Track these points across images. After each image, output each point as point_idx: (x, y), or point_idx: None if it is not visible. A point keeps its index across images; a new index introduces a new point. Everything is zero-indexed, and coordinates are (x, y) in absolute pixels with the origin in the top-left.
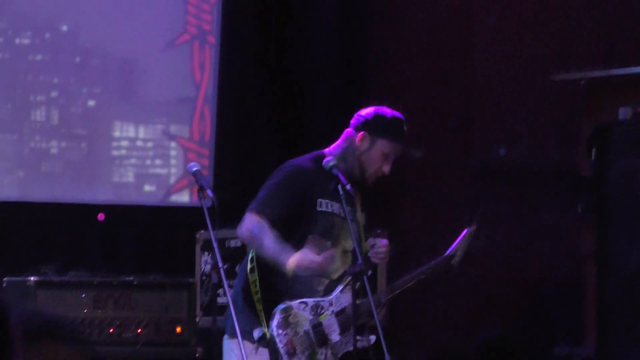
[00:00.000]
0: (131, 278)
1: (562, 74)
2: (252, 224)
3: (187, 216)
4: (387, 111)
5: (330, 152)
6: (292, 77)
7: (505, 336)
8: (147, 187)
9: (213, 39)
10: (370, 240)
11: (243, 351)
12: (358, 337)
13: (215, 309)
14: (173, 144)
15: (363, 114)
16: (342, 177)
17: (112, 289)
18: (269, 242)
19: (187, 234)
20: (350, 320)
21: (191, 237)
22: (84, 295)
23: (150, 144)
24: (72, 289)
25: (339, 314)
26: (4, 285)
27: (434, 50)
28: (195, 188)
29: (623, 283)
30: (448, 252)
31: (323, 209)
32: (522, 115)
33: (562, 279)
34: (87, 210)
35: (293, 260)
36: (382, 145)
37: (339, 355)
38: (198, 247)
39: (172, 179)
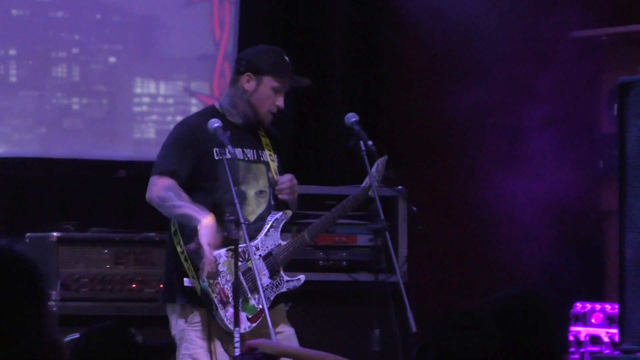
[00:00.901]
0: (152, 234)
1: (583, 31)
2: (158, 186)
3: None
4: (265, 47)
5: (221, 102)
6: (311, 34)
7: (524, 293)
8: None
9: None
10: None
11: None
12: (289, 278)
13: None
14: (194, 101)
15: (240, 57)
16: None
17: (133, 245)
18: (185, 200)
19: None
20: (279, 262)
21: None
22: (105, 251)
23: (171, 101)
24: (94, 245)
25: (266, 257)
26: (26, 241)
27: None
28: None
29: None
30: (364, 183)
31: (219, 157)
32: (543, 72)
33: (583, 236)
34: (108, 166)
35: (208, 221)
36: (269, 82)
37: (272, 298)
38: None
39: None
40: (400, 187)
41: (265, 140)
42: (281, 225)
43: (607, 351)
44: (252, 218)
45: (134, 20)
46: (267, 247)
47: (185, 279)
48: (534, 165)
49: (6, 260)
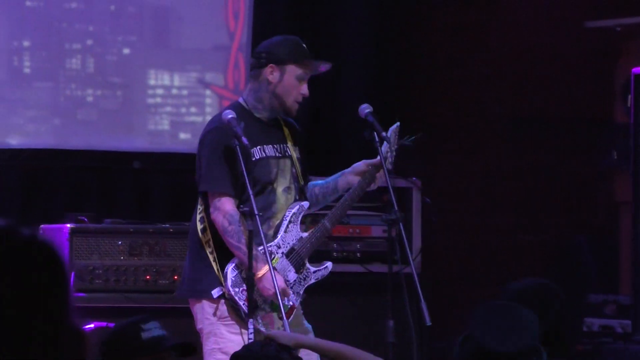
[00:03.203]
0: (167, 225)
1: (597, 21)
2: (223, 213)
3: None
4: (281, 38)
5: (245, 98)
6: (325, 27)
7: (538, 284)
8: (183, 135)
9: None
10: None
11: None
12: (316, 268)
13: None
14: (208, 92)
15: (259, 50)
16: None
17: (147, 236)
18: (238, 244)
19: None
20: (303, 255)
21: None
22: (120, 243)
23: (185, 92)
24: (108, 236)
25: (289, 254)
26: (40, 232)
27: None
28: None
29: None
30: (378, 157)
31: (257, 157)
32: (557, 62)
33: (597, 227)
34: (122, 158)
35: (261, 273)
36: (292, 70)
37: (301, 292)
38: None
39: None
40: (414, 178)
41: (286, 131)
42: (300, 218)
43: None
44: (280, 216)
45: (148, 11)
46: (288, 243)
47: (213, 291)
48: (547, 158)
49: (31, 248)
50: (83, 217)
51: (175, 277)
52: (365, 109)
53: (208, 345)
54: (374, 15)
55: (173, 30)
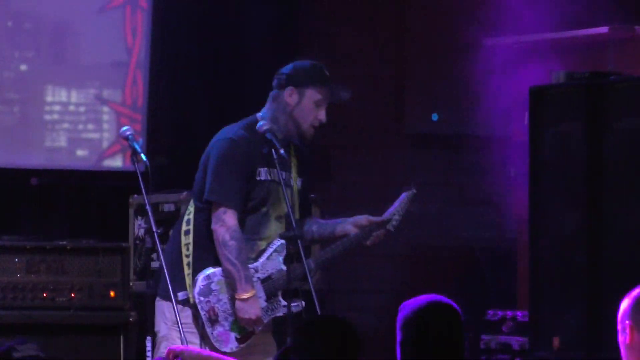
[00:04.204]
0: (64, 242)
1: (494, 39)
2: (226, 227)
3: (120, 180)
4: (305, 62)
5: (262, 116)
6: (225, 42)
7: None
8: (80, 152)
9: (145, 4)
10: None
11: (177, 313)
12: (286, 303)
13: (148, 274)
14: (106, 109)
15: (283, 70)
16: (275, 142)
17: (45, 254)
18: (241, 261)
19: (120, 199)
20: (277, 286)
21: (124, 202)
22: (17, 260)
23: (82, 109)
24: (5, 253)
25: (265, 281)
26: None
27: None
28: (129, 152)
29: (557, 247)
30: (385, 215)
31: (262, 178)
32: (455, 79)
33: (496, 243)
34: (20, 174)
35: (247, 296)
36: (312, 94)
37: (266, 321)
38: (131, 212)
39: (105, 144)
40: (312, 194)
41: (294, 160)
42: (285, 251)
43: (517, 359)
44: (266, 242)
45: (46, 27)
46: (267, 270)
47: (180, 293)
48: (447, 175)
49: None
50: None
51: (73, 295)
52: (264, 125)
53: (160, 349)
54: (274, 34)
55: (71, 46)
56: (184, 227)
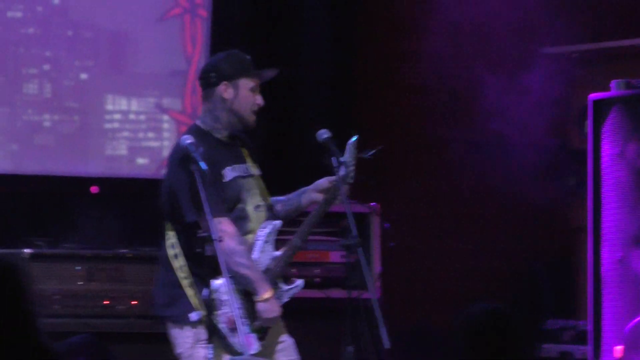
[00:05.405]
0: (124, 250)
1: (552, 47)
2: (229, 234)
3: None
4: (223, 54)
5: (203, 120)
6: (284, 49)
7: (492, 309)
8: (140, 160)
9: (204, 13)
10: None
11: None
12: (288, 287)
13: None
14: (165, 117)
15: (206, 70)
16: (335, 149)
17: (105, 262)
18: (250, 264)
19: None
20: (276, 275)
21: None
22: (77, 268)
23: (142, 117)
24: (66, 261)
25: (265, 273)
26: None
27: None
28: None
29: (616, 256)
30: (341, 171)
31: (229, 179)
32: (514, 88)
33: (554, 253)
34: (79, 183)
35: (268, 295)
36: (245, 83)
37: None
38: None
39: (165, 152)
40: (373, 203)
41: (245, 152)
42: (273, 238)
43: None
44: (252, 236)
45: (106, 36)
46: (264, 263)
47: (191, 314)
48: (505, 183)
49: None
50: (40, 242)
51: (133, 303)
52: (324, 134)
53: None
54: (332, 39)
55: (130, 55)
56: (170, 253)
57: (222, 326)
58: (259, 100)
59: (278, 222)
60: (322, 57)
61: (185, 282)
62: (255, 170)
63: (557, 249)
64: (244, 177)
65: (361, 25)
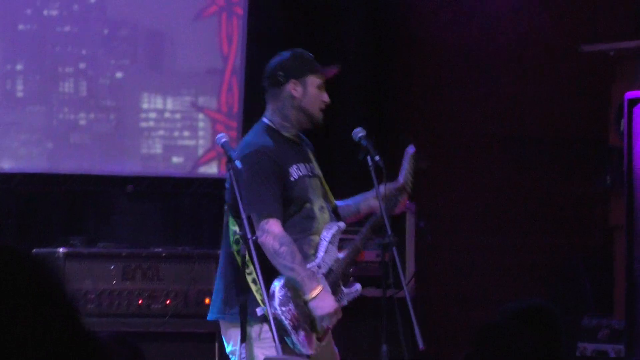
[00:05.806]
0: (159, 249)
1: (591, 45)
2: (272, 235)
3: (215, 187)
4: (288, 53)
5: (271, 120)
6: (321, 47)
7: (533, 305)
8: (175, 159)
9: (241, 11)
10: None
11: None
12: (348, 290)
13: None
14: (201, 116)
15: (273, 69)
16: (371, 148)
17: (140, 261)
18: (298, 264)
19: (215, 206)
20: (338, 277)
21: (219, 209)
22: (112, 267)
23: (178, 116)
24: (101, 260)
25: (328, 275)
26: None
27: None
28: (224, 159)
29: None
30: (400, 180)
31: (295, 178)
32: (553, 84)
33: (592, 249)
34: (115, 181)
35: (316, 292)
36: (312, 81)
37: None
38: (226, 218)
39: (200, 151)
40: (408, 201)
41: (309, 151)
42: (338, 239)
43: None
44: (318, 236)
45: (141, 35)
46: (327, 264)
47: (257, 309)
48: (542, 180)
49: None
50: (76, 241)
51: (168, 302)
52: (359, 132)
53: None
54: (372, 37)
55: (166, 53)
56: (234, 248)
57: (287, 322)
58: (326, 97)
59: (342, 224)
60: (359, 50)
61: (249, 278)
62: (319, 171)
63: (597, 246)
64: (310, 176)
65: (400, 24)
